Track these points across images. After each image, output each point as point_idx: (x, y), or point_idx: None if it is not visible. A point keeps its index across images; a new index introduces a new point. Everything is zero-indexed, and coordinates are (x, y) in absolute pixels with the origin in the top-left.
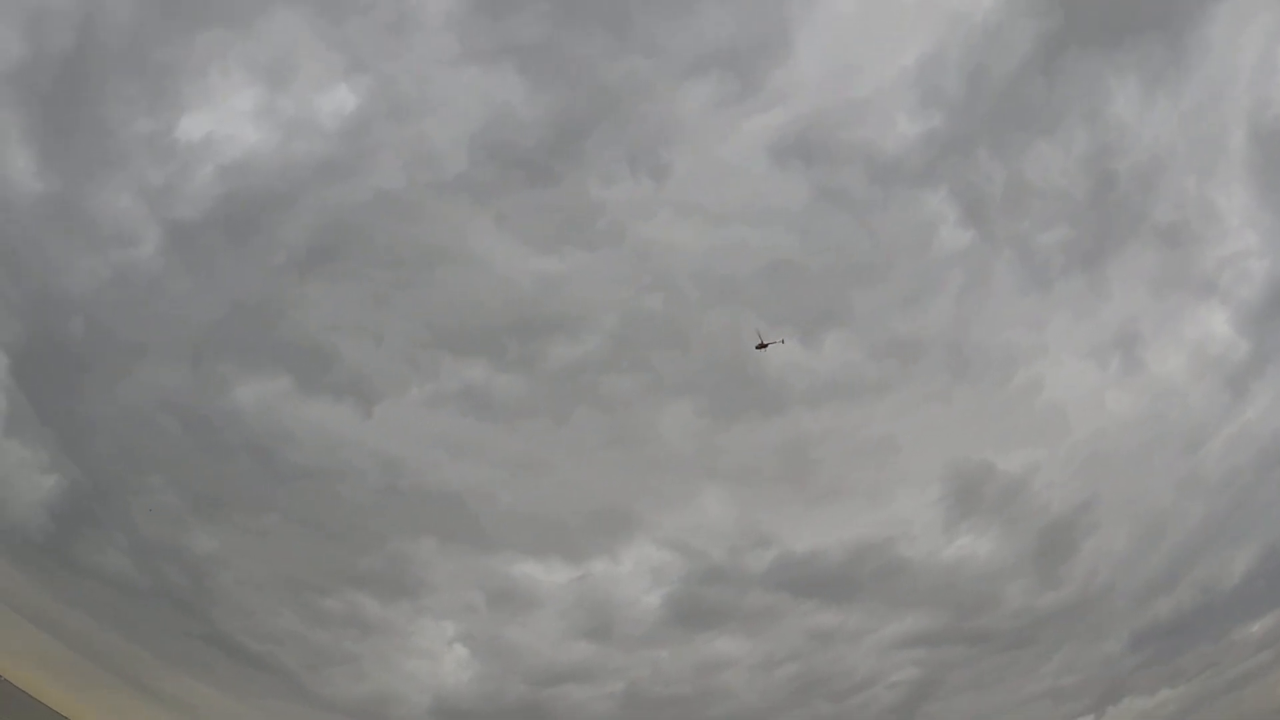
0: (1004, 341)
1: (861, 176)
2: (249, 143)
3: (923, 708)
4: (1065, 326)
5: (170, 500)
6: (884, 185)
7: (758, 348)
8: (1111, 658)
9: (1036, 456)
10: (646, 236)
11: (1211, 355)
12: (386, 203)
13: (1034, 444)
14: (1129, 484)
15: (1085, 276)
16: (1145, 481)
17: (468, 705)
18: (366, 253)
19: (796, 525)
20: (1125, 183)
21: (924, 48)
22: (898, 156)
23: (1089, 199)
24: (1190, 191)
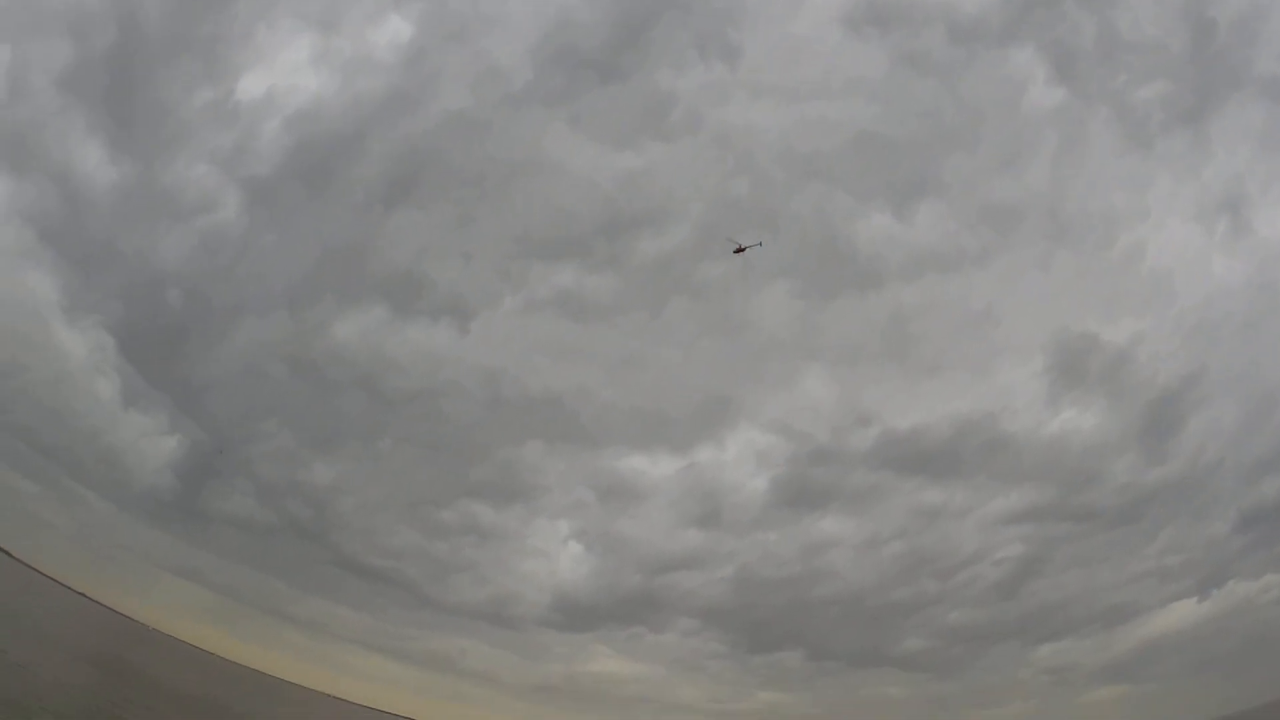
0: (1104, 205)
1: (942, 38)
2: (310, 90)
3: (1028, 584)
4: (1168, 188)
5: (286, 441)
6: (967, 45)
7: (735, 252)
8: (1217, 539)
9: (1141, 326)
10: (724, 122)
11: None
12: (457, 124)
13: (1138, 313)
14: (1238, 355)
15: (1187, 134)
16: (1256, 352)
17: (585, 599)
18: (444, 176)
19: (898, 402)
20: (1225, 33)
21: None
22: (979, 14)
23: (1187, 51)
24: None
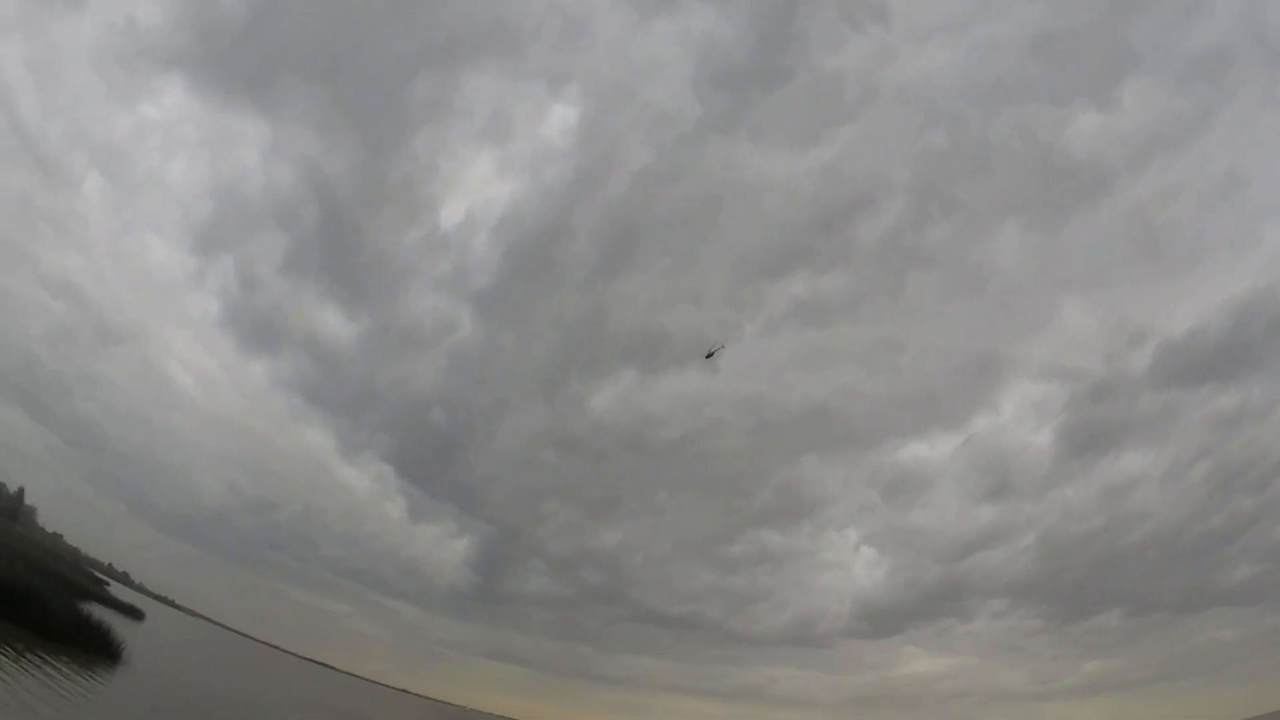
0: None
1: None
2: (504, 196)
3: None
4: None
5: (569, 515)
6: None
7: (706, 357)
8: None
9: None
10: (898, 80)
11: None
12: (647, 178)
13: None
14: None
15: None
16: None
17: (887, 602)
18: (651, 230)
19: (1166, 308)
20: None
21: None
22: None
23: None
24: None
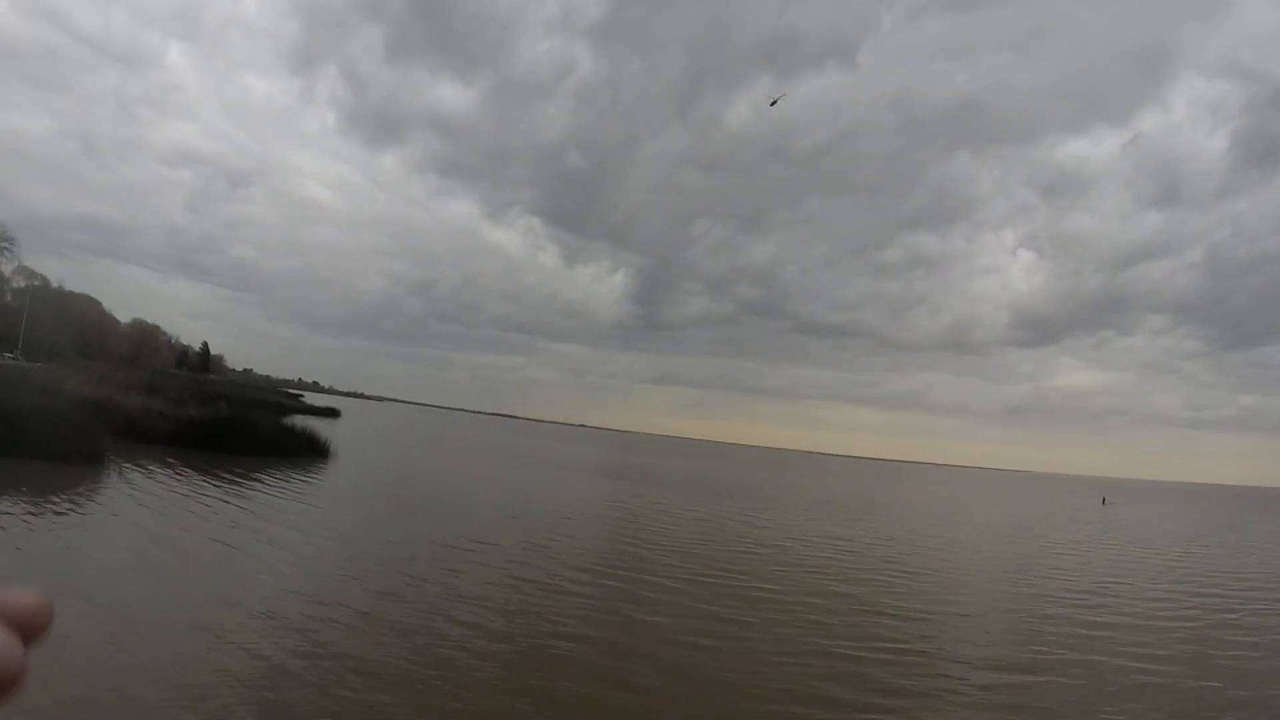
0: None
1: None
2: None
3: None
4: None
5: (719, 233)
6: None
7: (771, 105)
8: None
9: None
10: None
11: None
12: None
13: None
14: None
15: None
16: None
17: (1045, 309)
18: None
19: None
20: None
21: None
22: None
23: None
24: None
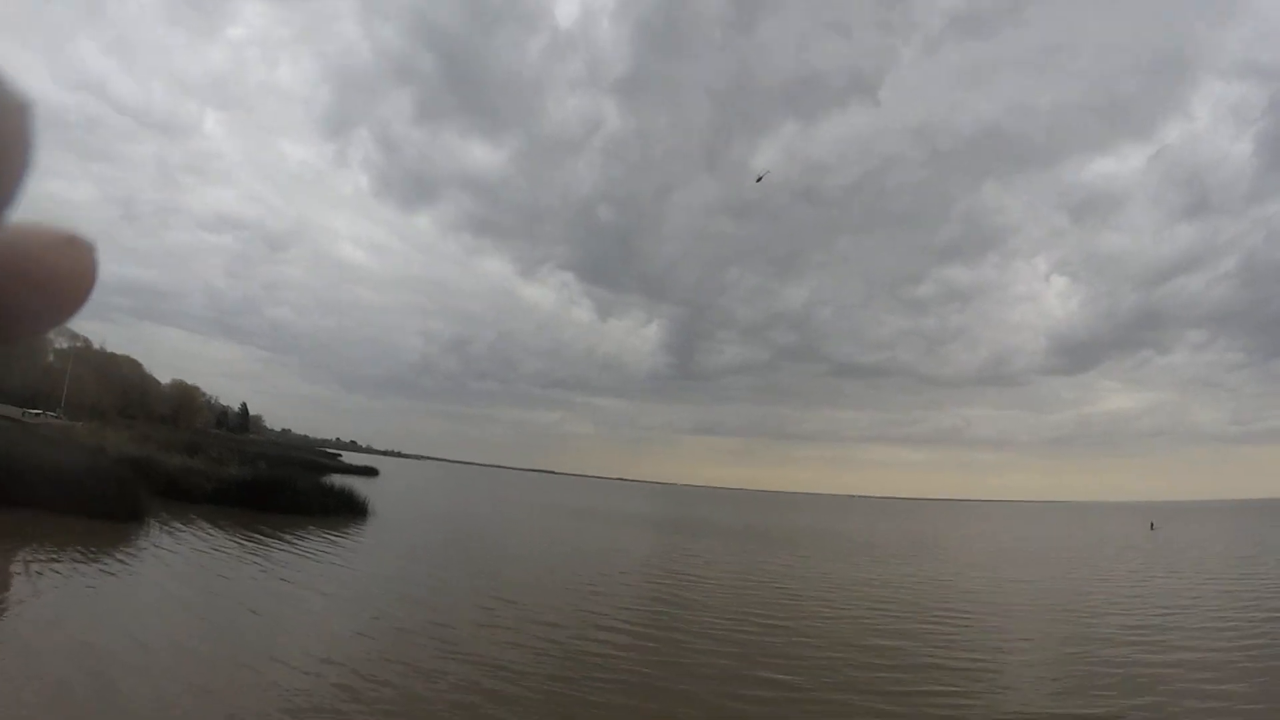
0: None
1: None
2: None
3: None
4: None
5: (751, 280)
6: None
7: (757, 181)
8: None
9: None
10: None
11: None
12: None
13: None
14: None
15: None
16: None
17: (1082, 333)
18: None
19: None
20: None
21: None
22: None
23: None
24: None
